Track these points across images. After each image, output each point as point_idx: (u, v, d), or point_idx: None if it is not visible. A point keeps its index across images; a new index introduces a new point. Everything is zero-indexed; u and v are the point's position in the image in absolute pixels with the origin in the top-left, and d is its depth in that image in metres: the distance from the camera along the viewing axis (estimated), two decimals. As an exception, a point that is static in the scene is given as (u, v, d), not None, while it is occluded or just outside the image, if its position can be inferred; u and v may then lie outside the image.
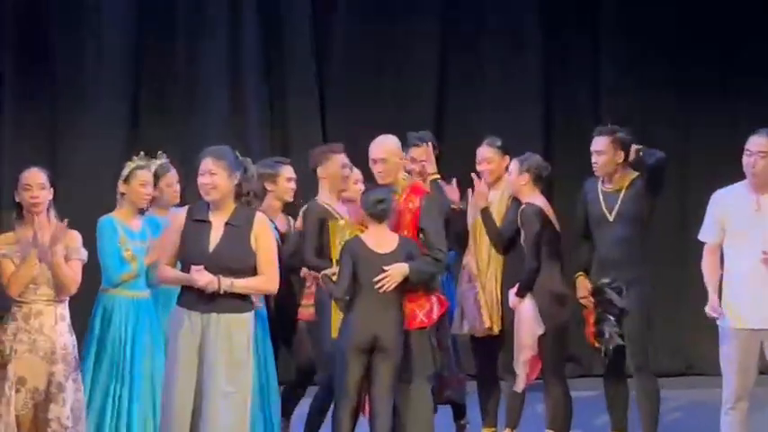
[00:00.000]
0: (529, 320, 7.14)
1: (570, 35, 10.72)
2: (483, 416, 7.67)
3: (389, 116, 10.04)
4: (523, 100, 10.78)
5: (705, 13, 10.48)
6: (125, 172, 6.72)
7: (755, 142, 6.46)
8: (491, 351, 7.52)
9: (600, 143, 7.28)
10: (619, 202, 7.23)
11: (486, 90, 10.62)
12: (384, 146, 6.88)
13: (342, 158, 7.16)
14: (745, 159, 6.45)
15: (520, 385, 7.18)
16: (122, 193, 6.74)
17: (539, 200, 7.18)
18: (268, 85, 10.40)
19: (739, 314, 6.47)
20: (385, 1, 10.49)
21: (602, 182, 7.30)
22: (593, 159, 7.27)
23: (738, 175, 6.53)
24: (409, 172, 7.25)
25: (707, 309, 6.46)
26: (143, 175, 6.72)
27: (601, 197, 7.29)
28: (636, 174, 7.26)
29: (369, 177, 7.09)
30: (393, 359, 6.52)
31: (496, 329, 7.39)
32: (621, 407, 7.43)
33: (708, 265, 6.54)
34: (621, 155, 7.26)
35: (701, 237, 6.60)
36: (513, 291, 7.18)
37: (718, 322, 6.56)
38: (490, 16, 10.57)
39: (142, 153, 6.95)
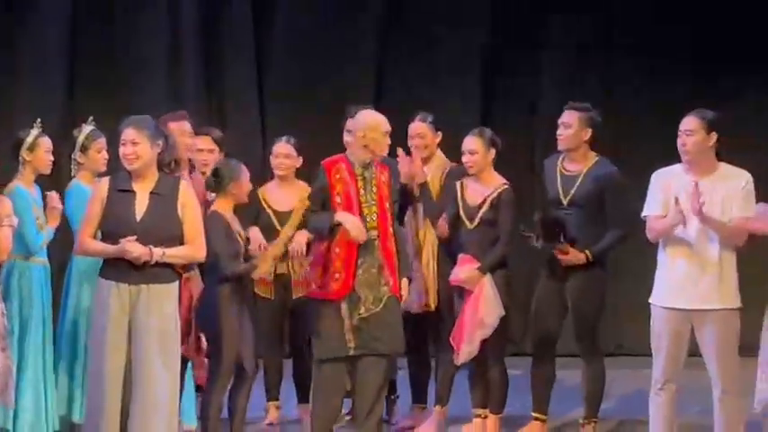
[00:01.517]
0: (493, 299, 7.12)
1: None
2: (413, 392, 7.69)
3: (328, 96, 9.98)
4: (463, 78, 10.68)
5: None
6: (29, 140, 6.68)
7: (685, 122, 6.49)
8: (424, 328, 7.52)
9: (568, 116, 7.25)
10: (576, 186, 7.18)
11: (425, 70, 10.54)
12: (357, 122, 6.85)
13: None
14: (678, 140, 6.47)
15: (462, 359, 7.14)
16: (27, 161, 6.68)
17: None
18: (205, 61, 10.32)
19: (671, 294, 6.49)
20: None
21: (563, 161, 7.25)
22: (559, 132, 7.23)
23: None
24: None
25: (669, 216, 6.40)
26: (47, 142, 6.69)
27: (558, 178, 7.25)
28: (597, 158, 7.24)
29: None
30: None
31: (433, 306, 7.34)
32: (546, 389, 7.43)
33: (657, 223, 6.52)
34: (588, 132, 7.21)
35: (645, 212, 6.58)
36: (465, 267, 7.11)
37: (650, 300, 6.55)
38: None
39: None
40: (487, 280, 7.09)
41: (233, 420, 6.86)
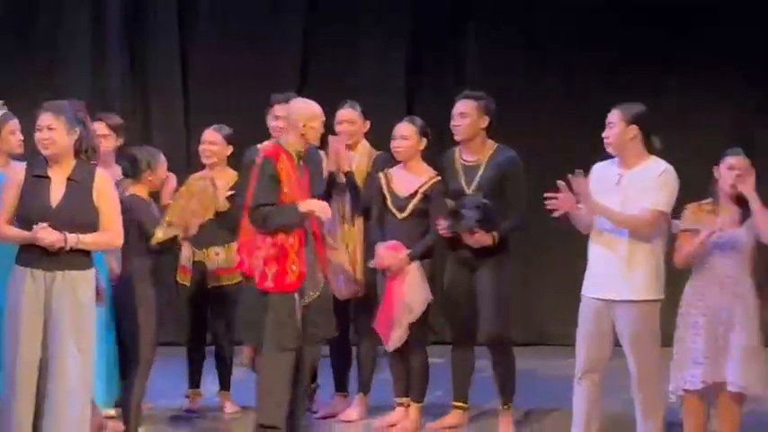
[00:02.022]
0: (420, 285, 7.15)
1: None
2: (335, 380, 7.72)
3: (253, 85, 9.98)
4: (387, 67, 10.72)
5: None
6: None
7: (609, 115, 6.57)
8: (347, 315, 7.53)
9: (464, 106, 7.21)
10: (478, 175, 7.17)
11: (349, 58, 10.58)
12: (295, 111, 6.82)
13: None
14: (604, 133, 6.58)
15: (393, 345, 7.16)
16: None
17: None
18: (130, 52, 10.32)
19: (591, 284, 6.56)
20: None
21: (460, 152, 7.23)
22: (456, 122, 7.21)
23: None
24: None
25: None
26: (11, 123, 6.56)
27: (459, 169, 7.24)
28: (496, 145, 7.21)
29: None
30: None
31: (361, 293, 7.37)
32: (465, 377, 7.47)
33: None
34: (485, 120, 7.20)
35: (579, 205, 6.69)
36: (392, 252, 7.12)
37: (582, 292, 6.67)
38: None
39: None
40: (415, 266, 7.11)
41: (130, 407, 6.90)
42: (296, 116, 6.77)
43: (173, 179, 7.20)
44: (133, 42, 10.41)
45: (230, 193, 7.54)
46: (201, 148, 7.67)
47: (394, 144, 7.28)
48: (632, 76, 10.54)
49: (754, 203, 6.39)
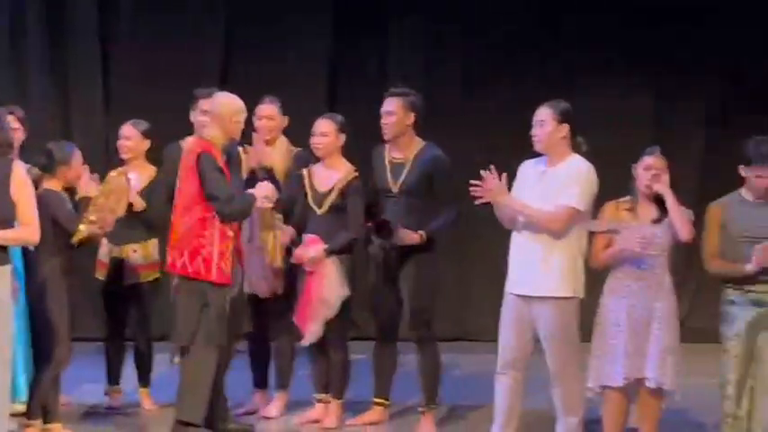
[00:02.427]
0: (336, 280, 7.19)
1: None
2: (255, 377, 7.75)
3: (174, 81, 9.96)
4: (309, 64, 10.75)
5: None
6: None
7: (537, 112, 6.63)
8: (265, 312, 7.57)
9: (391, 104, 7.25)
10: (404, 173, 7.20)
11: (273, 52, 10.58)
12: (221, 105, 6.87)
13: None
14: (532, 130, 6.61)
15: (308, 340, 7.19)
16: None
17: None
18: (50, 46, 10.27)
19: (512, 280, 6.61)
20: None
21: (390, 149, 7.26)
22: (383, 120, 7.24)
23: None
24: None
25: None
26: None
27: (387, 167, 7.27)
28: (423, 143, 7.24)
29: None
30: None
31: (281, 290, 7.40)
32: (387, 374, 7.51)
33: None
34: (412, 117, 7.23)
35: None
36: (311, 247, 7.14)
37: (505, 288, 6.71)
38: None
39: None
40: (332, 261, 7.13)
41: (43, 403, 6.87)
42: (221, 110, 6.81)
43: (88, 172, 7.13)
44: (53, 40, 10.34)
45: (144, 188, 7.54)
46: (119, 143, 7.66)
47: (313, 140, 7.30)
48: (554, 68, 10.71)
49: (670, 202, 6.48)
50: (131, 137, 7.60)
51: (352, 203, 7.23)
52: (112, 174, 7.09)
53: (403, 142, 7.22)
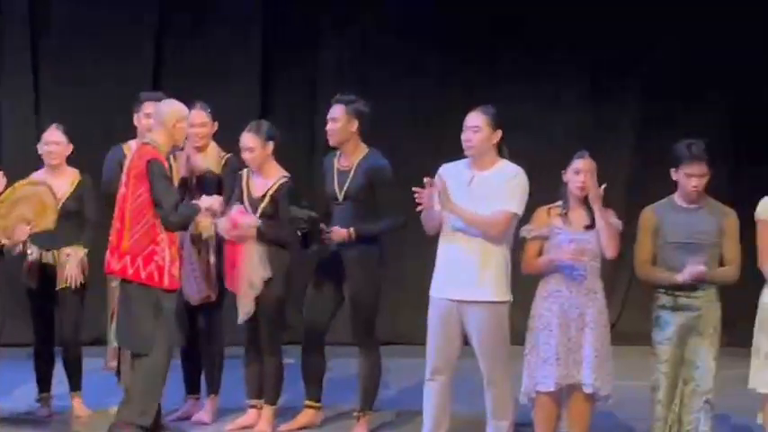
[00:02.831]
0: (258, 263, 7.19)
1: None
2: (186, 383, 7.73)
3: (105, 87, 10.02)
4: (241, 72, 10.75)
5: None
6: None
7: (470, 118, 6.60)
8: (195, 318, 7.58)
9: (336, 111, 7.27)
10: (348, 181, 7.21)
11: (203, 61, 10.63)
12: (169, 112, 6.92)
13: None
14: (462, 135, 6.58)
15: (241, 320, 7.22)
16: None
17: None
18: None
19: (441, 284, 6.62)
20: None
21: (339, 157, 7.29)
22: (328, 126, 7.26)
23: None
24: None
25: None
26: None
27: (335, 175, 7.30)
28: (367, 150, 7.30)
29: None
30: None
31: (214, 296, 7.42)
32: (317, 377, 7.52)
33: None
34: (356, 124, 7.26)
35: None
36: (247, 217, 7.12)
37: (431, 293, 6.71)
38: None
39: None
40: (255, 245, 7.11)
41: None
42: (167, 116, 6.86)
43: (3, 179, 7.14)
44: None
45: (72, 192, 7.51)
46: (47, 149, 7.55)
47: (243, 156, 7.31)
48: (483, 75, 10.82)
49: (597, 206, 6.51)
50: (60, 141, 7.52)
51: (281, 207, 7.22)
52: (22, 183, 7.05)
53: (348, 149, 7.27)
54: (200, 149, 7.49)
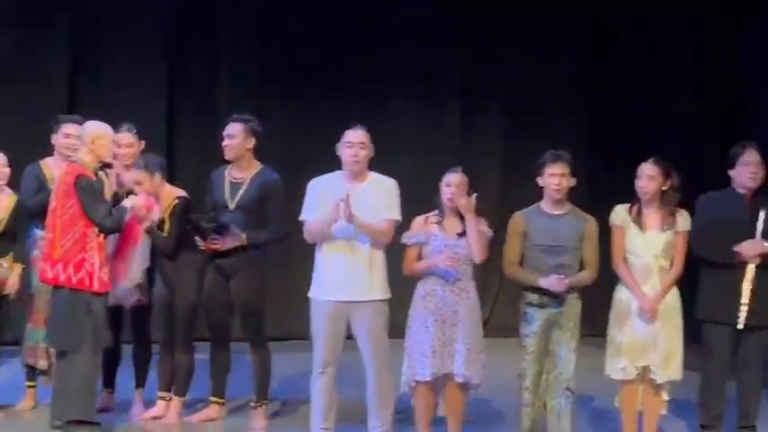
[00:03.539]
0: (140, 257, 7.24)
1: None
2: (104, 379, 7.64)
3: (21, 108, 10.00)
4: (148, 91, 10.67)
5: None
6: None
7: (355, 135, 6.61)
8: (120, 318, 7.56)
9: (233, 128, 7.25)
10: (241, 192, 7.20)
11: (116, 80, 10.58)
12: (87, 131, 6.95)
13: None
14: (349, 151, 6.57)
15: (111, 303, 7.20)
16: None
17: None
18: None
19: (328, 288, 6.61)
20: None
21: (231, 170, 7.27)
22: (225, 143, 7.25)
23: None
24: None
25: (323, 219, 6.49)
26: None
27: (226, 185, 7.27)
28: (261, 167, 7.29)
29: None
30: None
31: (145, 300, 7.46)
32: (222, 374, 7.49)
33: (313, 225, 6.63)
34: (252, 141, 7.24)
35: (303, 216, 6.68)
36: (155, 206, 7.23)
37: (309, 295, 6.66)
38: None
39: None
40: (146, 237, 7.16)
41: None
42: (87, 135, 6.92)
43: None
44: None
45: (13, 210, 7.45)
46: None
47: (135, 188, 7.29)
48: (361, 98, 10.98)
49: (468, 216, 6.56)
50: (3, 164, 7.44)
51: (176, 222, 7.24)
52: None
53: (242, 164, 7.24)
54: (128, 168, 7.47)
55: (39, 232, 7.52)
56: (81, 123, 7.57)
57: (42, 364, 7.61)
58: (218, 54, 11.09)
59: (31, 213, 7.54)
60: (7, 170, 7.48)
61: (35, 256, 7.54)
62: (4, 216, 7.36)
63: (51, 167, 7.64)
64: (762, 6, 10.81)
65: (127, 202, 6.98)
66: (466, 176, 6.74)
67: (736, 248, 6.83)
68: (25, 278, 7.61)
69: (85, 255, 6.80)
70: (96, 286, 6.81)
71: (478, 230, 6.54)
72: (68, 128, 7.53)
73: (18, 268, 7.43)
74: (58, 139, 7.58)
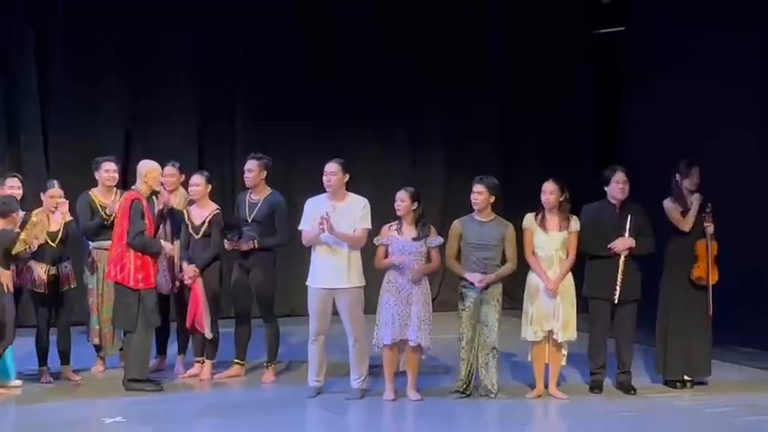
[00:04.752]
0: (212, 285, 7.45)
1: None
2: (157, 347, 7.85)
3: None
4: (113, 118, 10.75)
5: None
6: None
7: (329, 166, 6.86)
8: (168, 302, 7.76)
9: (251, 164, 7.40)
10: (256, 209, 7.41)
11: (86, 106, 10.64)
12: (141, 167, 7.12)
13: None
14: (324, 178, 6.82)
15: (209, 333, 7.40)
16: None
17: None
18: None
19: (318, 278, 6.93)
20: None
21: (251, 193, 7.47)
22: (246, 175, 7.44)
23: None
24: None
25: (313, 230, 6.81)
26: None
27: (246, 205, 7.48)
28: (270, 191, 7.44)
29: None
30: None
31: (176, 289, 7.60)
32: (243, 342, 7.66)
33: (308, 234, 6.88)
34: (264, 174, 7.42)
35: (301, 226, 6.95)
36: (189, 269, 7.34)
37: (306, 283, 6.91)
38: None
39: None
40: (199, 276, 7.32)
41: None
42: (141, 171, 7.10)
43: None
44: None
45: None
46: (58, 201, 7.39)
47: (190, 191, 7.54)
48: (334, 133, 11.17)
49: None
50: (59, 194, 7.42)
51: (214, 231, 7.49)
52: (37, 211, 7.20)
53: (258, 189, 7.44)
54: (172, 192, 7.67)
55: (90, 243, 7.62)
56: (115, 162, 7.74)
57: (96, 341, 7.71)
58: (235, 113, 11.31)
59: (85, 233, 7.60)
60: (64, 201, 7.42)
61: (89, 262, 7.71)
62: (58, 230, 7.34)
63: (98, 195, 7.72)
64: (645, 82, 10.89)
65: (164, 245, 7.12)
66: (409, 194, 6.88)
67: (610, 245, 7.04)
68: (84, 278, 7.73)
69: (126, 260, 6.96)
70: (131, 284, 6.92)
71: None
72: (107, 165, 7.65)
73: (70, 266, 7.45)
74: (100, 174, 7.65)
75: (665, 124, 10.46)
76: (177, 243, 7.52)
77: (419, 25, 11.43)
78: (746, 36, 9.68)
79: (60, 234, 7.38)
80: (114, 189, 7.73)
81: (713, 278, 7.21)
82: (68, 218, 7.46)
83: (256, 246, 7.34)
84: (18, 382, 7.21)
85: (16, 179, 7.43)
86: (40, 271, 7.32)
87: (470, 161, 11.15)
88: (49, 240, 7.31)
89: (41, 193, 7.48)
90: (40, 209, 7.39)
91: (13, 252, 6.85)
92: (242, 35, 11.03)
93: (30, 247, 6.99)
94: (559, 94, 11.84)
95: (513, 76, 11.91)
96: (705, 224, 7.21)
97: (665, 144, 9.96)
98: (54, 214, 7.33)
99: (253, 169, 7.47)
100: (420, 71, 11.56)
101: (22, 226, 7.06)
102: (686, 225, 7.21)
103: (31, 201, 7.56)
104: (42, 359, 7.47)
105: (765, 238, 9.13)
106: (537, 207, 7.02)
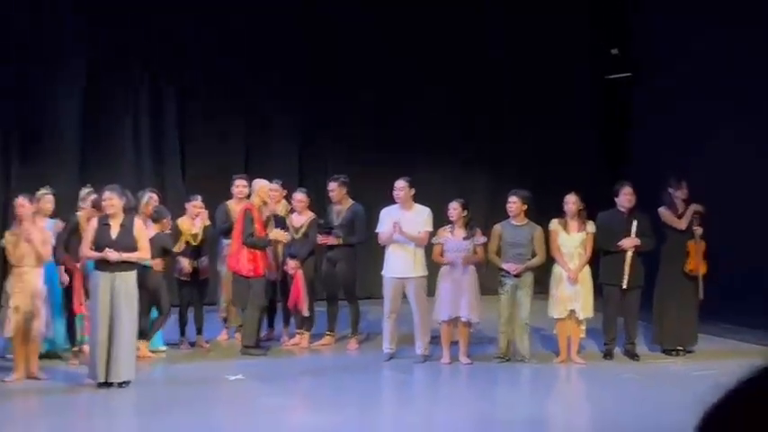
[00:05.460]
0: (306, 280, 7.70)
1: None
2: (284, 319, 8.26)
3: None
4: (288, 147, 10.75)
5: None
6: None
7: (397, 183, 7.28)
8: (275, 286, 8.13)
9: (333, 185, 7.72)
10: (341, 216, 7.79)
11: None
12: (254, 185, 7.47)
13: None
14: (394, 192, 7.24)
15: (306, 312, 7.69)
16: None
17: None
18: None
19: (391, 269, 7.43)
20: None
21: (335, 205, 7.78)
22: (330, 192, 7.82)
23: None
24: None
25: (388, 232, 7.06)
26: None
27: (335, 213, 7.91)
28: (352, 202, 7.73)
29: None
30: None
31: (279, 277, 7.94)
32: (333, 317, 8.08)
33: (384, 235, 7.22)
34: (345, 190, 7.75)
35: (377, 229, 7.41)
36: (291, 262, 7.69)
37: (382, 273, 7.32)
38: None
39: None
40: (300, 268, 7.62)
41: None
42: (255, 186, 7.60)
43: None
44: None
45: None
46: (195, 210, 7.86)
47: (294, 203, 7.97)
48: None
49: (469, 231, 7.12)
50: (201, 206, 7.90)
51: (311, 232, 8.00)
52: (181, 219, 7.65)
53: (342, 202, 7.85)
54: (277, 202, 8.08)
55: (225, 242, 8.06)
56: (246, 179, 8.18)
57: (223, 315, 8.22)
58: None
59: (220, 233, 8.14)
60: (204, 211, 7.88)
61: (222, 257, 8.19)
62: (198, 232, 7.81)
63: (233, 205, 8.19)
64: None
65: (272, 234, 7.37)
66: (460, 204, 7.28)
67: (620, 243, 7.45)
68: (217, 268, 8.19)
69: (241, 255, 7.45)
70: (245, 272, 7.41)
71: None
72: (239, 182, 8.17)
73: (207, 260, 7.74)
74: (234, 188, 8.15)
75: (665, 124, 9.83)
76: (286, 234, 7.80)
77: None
78: (746, 36, 8.96)
79: (200, 235, 7.84)
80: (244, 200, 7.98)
81: (702, 270, 7.58)
82: (207, 223, 7.89)
83: (340, 242, 7.75)
84: (164, 348, 7.74)
85: (155, 194, 7.71)
86: (185, 264, 7.84)
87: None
88: (191, 240, 7.83)
89: (185, 204, 7.94)
90: (183, 216, 7.85)
91: (175, 249, 7.37)
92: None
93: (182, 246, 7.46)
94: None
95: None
96: (694, 227, 7.57)
97: (665, 144, 9.58)
98: (195, 220, 7.78)
99: (334, 189, 7.90)
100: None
101: (173, 229, 7.53)
102: (682, 224, 7.52)
103: (173, 210, 7.95)
104: (182, 331, 7.96)
105: (765, 238, 8.62)
106: (561, 214, 7.47)
